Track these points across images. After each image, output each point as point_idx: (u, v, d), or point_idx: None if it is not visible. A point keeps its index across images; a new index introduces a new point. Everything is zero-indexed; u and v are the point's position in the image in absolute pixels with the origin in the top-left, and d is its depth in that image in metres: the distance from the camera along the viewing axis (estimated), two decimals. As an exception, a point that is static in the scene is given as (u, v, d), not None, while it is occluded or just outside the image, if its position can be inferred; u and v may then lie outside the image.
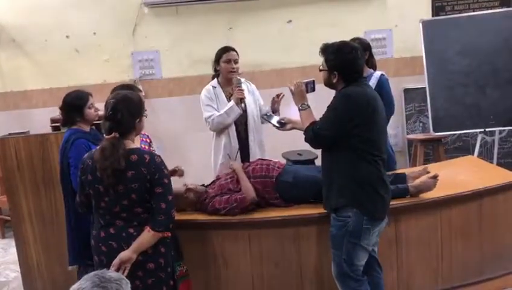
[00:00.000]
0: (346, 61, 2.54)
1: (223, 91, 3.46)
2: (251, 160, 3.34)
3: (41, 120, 4.83)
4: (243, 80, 3.47)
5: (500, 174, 3.33)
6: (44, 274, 3.53)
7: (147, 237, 2.20)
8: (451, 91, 4.68)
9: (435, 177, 2.91)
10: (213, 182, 3.15)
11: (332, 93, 2.63)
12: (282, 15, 5.19)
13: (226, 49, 3.42)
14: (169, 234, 2.30)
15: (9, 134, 3.76)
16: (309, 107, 2.69)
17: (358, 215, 2.50)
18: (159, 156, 2.29)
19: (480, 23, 4.68)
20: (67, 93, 2.88)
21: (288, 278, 2.88)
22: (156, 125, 4.83)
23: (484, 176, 3.26)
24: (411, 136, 5.30)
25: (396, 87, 4.98)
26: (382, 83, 3.55)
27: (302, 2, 5.17)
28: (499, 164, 4.53)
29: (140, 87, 4.29)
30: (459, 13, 5.22)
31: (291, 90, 2.77)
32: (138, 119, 2.28)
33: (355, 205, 2.50)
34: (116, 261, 2.15)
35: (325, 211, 2.69)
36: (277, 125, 3.10)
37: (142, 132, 2.62)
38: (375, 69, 3.67)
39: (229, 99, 3.40)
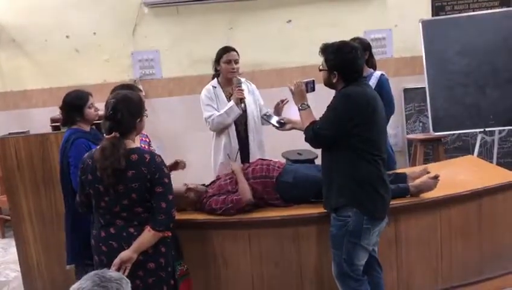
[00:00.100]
0: (346, 61, 2.54)
1: (223, 91, 3.46)
2: (251, 160, 3.34)
3: (41, 120, 4.83)
4: (243, 80, 3.47)
5: (499, 174, 3.33)
6: (44, 274, 3.53)
7: (147, 236, 2.20)
8: (451, 91, 4.68)
9: (436, 177, 2.91)
10: (213, 182, 3.16)
11: (332, 93, 2.63)
12: (282, 15, 5.19)
13: (226, 49, 3.42)
14: (170, 234, 2.30)
15: (9, 134, 3.76)
16: (309, 107, 2.69)
17: (358, 215, 2.50)
18: (159, 155, 2.29)
19: (480, 23, 4.68)
20: (67, 93, 2.89)
21: (288, 278, 2.88)
22: (156, 125, 4.82)
23: (484, 176, 3.26)
24: (411, 136, 5.30)
25: (396, 87, 4.98)
26: (382, 83, 3.55)
27: (301, 2, 5.17)
28: (498, 164, 4.53)
29: (140, 87, 4.30)
30: (459, 13, 5.22)
31: (291, 90, 2.77)
32: (139, 119, 2.28)
33: (355, 205, 2.50)
34: (116, 260, 2.15)
35: (325, 210, 2.69)
36: (276, 125, 3.11)
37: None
38: (375, 69, 3.67)
39: (229, 99, 3.40)
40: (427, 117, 4.91)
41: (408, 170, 3.34)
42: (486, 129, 4.68)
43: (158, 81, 5.23)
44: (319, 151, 2.75)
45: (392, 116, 3.63)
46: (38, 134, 3.58)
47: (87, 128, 2.88)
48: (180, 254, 2.65)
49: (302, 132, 2.66)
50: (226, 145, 3.43)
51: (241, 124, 3.44)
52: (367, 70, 3.51)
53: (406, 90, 5.38)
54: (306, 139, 2.63)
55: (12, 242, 3.98)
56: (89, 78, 5.01)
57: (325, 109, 2.58)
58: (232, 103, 3.34)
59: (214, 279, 2.91)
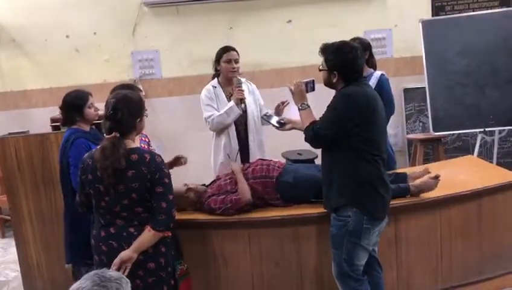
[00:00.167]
0: (346, 61, 2.54)
1: (223, 91, 3.46)
2: (251, 160, 3.34)
3: (41, 120, 4.82)
4: (243, 80, 3.47)
5: (499, 174, 3.33)
6: (44, 274, 3.53)
7: (147, 236, 2.20)
8: (451, 91, 4.68)
9: (437, 177, 2.91)
10: (213, 182, 3.16)
11: (332, 93, 2.63)
12: (283, 15, 5.19)
13: (226, 49, 3.42)
14: (170, 234, 2.31)
15: (9, 134, 3.75)
16: (309, 106, 2.69)
17: (359, 214, 2.50)
18: (160, 155, 2.29)
19: (479, 23, 4.69)
20: (67, 92, 2.89)
21: (288, 277, 2.88)
22: (156, 125, 4.83)
23: (484, 176, 3.27)
24: (411, 135, 5.30)
25: (396, 87, 4.98)
26: (382, 83, 3.55)
27: (302, 2, 5.18)
28: (498, 164, 4.53)
29: (140, 86, 4.29)
30: (459, 13, 5.22)
31: (291, 89, 2.77)
32: (139, 119, 2.28)
33: (355, 205, 2.50)
34: (116, 260, 2.15)
35: (325, 210, 2.69)
36: (276, 125, 3.11)
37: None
38: (375, 69, 3.67)
39: (229, 99, 3.40)
40: (427, 117, 4.91)
41: (408, 170, 3.35)
42: (486, 129, 4.68)
43: (158, 81, 5.23)
44: (319, 151, 2.75)
45: (392, 116, 3.63)
46: (38, 134, 3.58)
47: (87, 128, 2.88)
48: (180, 254, 2.65)
49: (302, 132, 2.66)
50: (226, 145, 3.43)
51: (241, 124, 3.44)
52: (367, 70, 3.51)
53: (406, 90, 5.38)
54: (306, 139, 2.63)
55: (12, 242, 3.98)
56: (89, 78, 5.01)
57: (325, 109, 2.58)
58: (232, 103, 3.34)
59: (214, 279, 2.91)
